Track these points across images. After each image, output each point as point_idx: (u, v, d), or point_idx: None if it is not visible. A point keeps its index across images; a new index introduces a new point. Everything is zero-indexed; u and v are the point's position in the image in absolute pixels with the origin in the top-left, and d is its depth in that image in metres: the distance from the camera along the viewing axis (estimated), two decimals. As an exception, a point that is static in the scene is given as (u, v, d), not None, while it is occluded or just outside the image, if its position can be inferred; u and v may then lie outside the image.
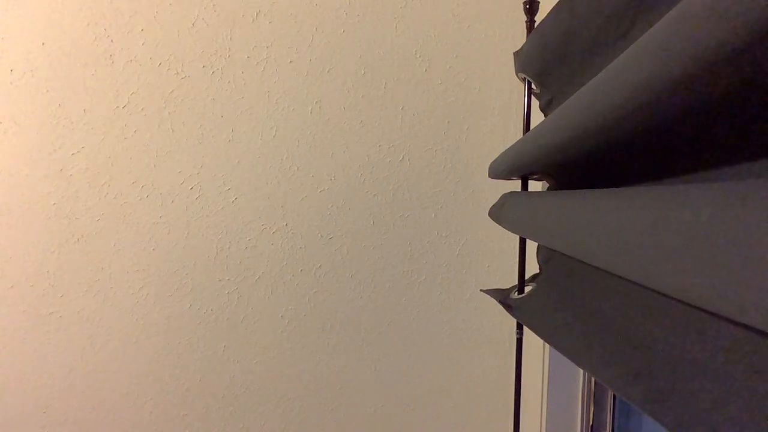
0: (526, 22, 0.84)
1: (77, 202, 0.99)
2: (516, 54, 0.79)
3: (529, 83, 0.79)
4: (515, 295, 0.79)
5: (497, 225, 0.78)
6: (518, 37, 1.05)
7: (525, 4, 0.83)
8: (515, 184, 0.83)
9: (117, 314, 1.03)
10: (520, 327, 0.90)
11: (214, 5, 1.00)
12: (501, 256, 1.11)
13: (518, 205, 0.68)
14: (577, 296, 0.59)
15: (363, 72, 1.04)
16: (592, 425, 0.98)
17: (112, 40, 0.98)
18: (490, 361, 1.13)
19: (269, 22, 1.01)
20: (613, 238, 0.34)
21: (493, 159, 0.85)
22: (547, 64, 0.68)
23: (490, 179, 1.04)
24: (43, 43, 0.96)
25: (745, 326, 0.30)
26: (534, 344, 0.99)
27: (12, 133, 0.97)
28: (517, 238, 0.83)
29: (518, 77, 0.82)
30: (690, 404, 0.33)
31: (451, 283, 1.10)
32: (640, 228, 0.31)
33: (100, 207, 1.00)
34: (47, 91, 0.97)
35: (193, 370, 1.06)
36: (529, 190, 0.78)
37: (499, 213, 0.76)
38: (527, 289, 0.78)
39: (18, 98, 0.96)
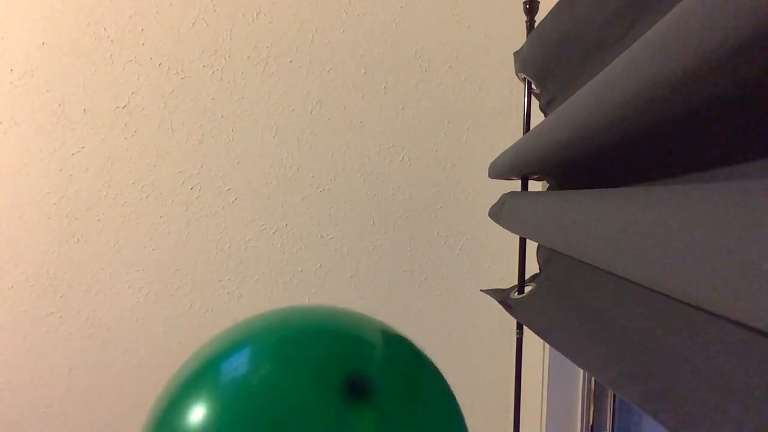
0: (526, 22, 0.84)
1: (77, 202, 0.99)
2: (516, 54, 0.79)
3: (529, 83, 0.79)
4: (515, 295, 0.79)
5: (497, 225, 0.78)
6: (518, 37, 1.05)
7: (525, 4, 0.83)
8: (515, 184, 0.83)
9: (117, 314, 1.03)
10: (520, 327, 0.90)
11: (214, 5, 1.00)
12: (501, 256, 1.11)
13: (518, 205, 0.68)
14: (577, 296, 0.59)
15: (363, 72, 1.04)
16: (592, 425, 0.98)
17: (112, 40, 0.98)
18: (490, 361, 1.13)
19: (269, 22, 1.01)
20: (613, 238, 0.34)
21: (493, 159, 0.85)
22: (547, 64, 0.68)
23: (490, 179, 1.04)
24: (43, 43, 0.96)
25: (745, 326, 0.30)
26: (534, 344, 0.99)
27: (12, 133, 0.97)
28: (517, 238, 0.83)
29: (518, 77, 0.82)
30: (690, 404, 0.33)
31: (451, 283, 1.10)
32: (640, 228, 0.31)
33: (100, 207, 1.00)
34: (47, 91, 0.97)
35: (193, 370, 1.06)
36: (529, 190, 0.78)
37: (499, 213, 0.76)
38: (527, 289, 0.78)
39: (18, 98, 0.96)
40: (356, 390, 0.39)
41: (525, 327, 0.82)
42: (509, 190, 0.80)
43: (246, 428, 0.37)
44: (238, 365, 0.43)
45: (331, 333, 0.47)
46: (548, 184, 0.80)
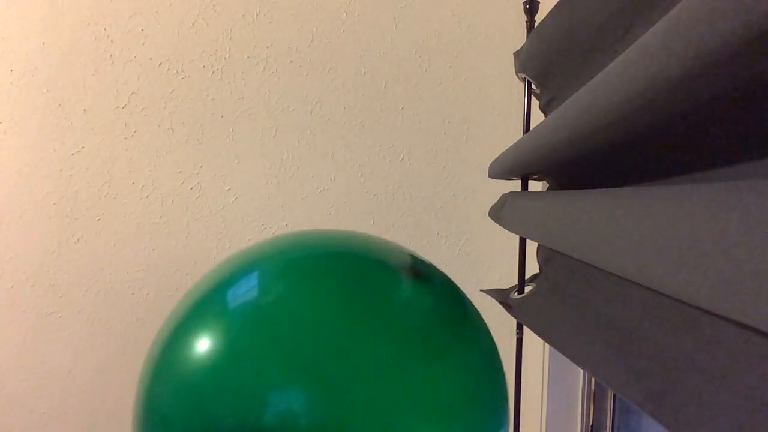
0: (526, 22, 0.84)
1: (77, 202, 0.99)
2: (516, 54, 0.79)
3: (529, 83, 0.79)
4: (515, 295, 0.79)
5: (497, 225, 0.78)
6: (518, 37, 1.05)
7: (525, 4, 0.83)
8: (515, 184, 0.83)
9: (117, 314, 1.03)
10: (520, 327, 0.90)
11: (214, 5, 1.00)
12: (501, 256, 1.10)
13: (518, 205, 0.68)
14: (577, 296, 0.59)
15: (363, 72, 1.04)
16: (592, 425, 0.98)
17: (112, 40, 0.98)
18: (490, 361, 1.13)
19: (269, 22, 1.01)
20: (614, 238, 0.34)
21: (493, 159, 0.85)
22: (547, 64, 0.68)
23: (490, 179, 1.04)
24: (43, 43, 0.96)
25: (745, 326, 0.30)
26: (534, 344, 0.99)
27: (12, 133, 0.97)
28: (517, 238, 0.83)
29: (518, 77, 0.82)
30: (690, 404, 0.33)
31: (451, 283, 1.10)
32: (640, 228, 0.31)
33: (100, 207, 1.00)
34: (47, 91, 0.97)
35: (193, 370, 1.06)
36: (529, 190, 0.78)
37: (499, 213, 0.76)
38: (527, 289, 0.78)
39: (18, 98, 0.96)
40: (416, 274, 0.46)
41: (525, 327, 0.82)
42: (509, 190, 0.80)
43: (331, 295, 0.37)
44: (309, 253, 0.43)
45: (384, 241, 0.51)
46: (548, 184, 0.80)
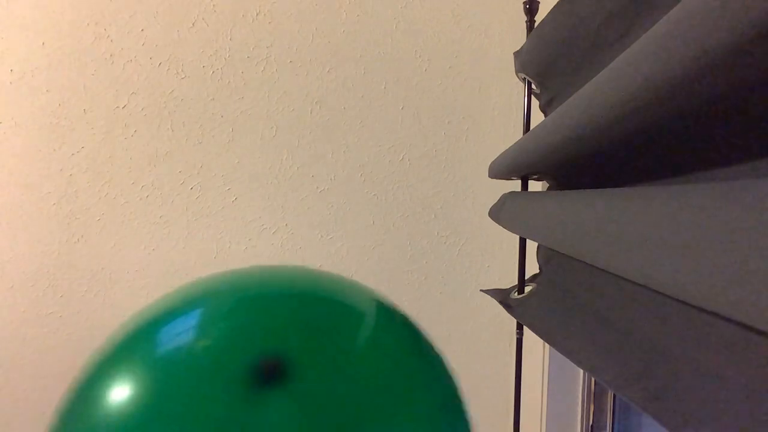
0: (526, 22, 0.84)
1: (77, 202, 0.99)
2: (516, 54, 0.79)
3: (529, 83, 0.79)
4: (515, 295, 0.79)
5: (497, 225, 0.78)
6: (518, 37, 1.05)
7: (525, 4, 0.83)
8: (515, 184, 0.83)
9: (117, 314, 1.02)
10: (520, 327, 0.90)
11: (214, 5, 1.00)
12: (501, 256, 1.10)
13: (518, 205, 0.68)
14: (577, 296, 0.59)
15: (363, 72, 1.04)
16: (592, 425, 0.98)
17: (112, 40, 0.98)
18: (490, 361, 1.13)
19: (269, 22, 1.01)
20: (613, 238, 0.34)
21: (493, 159, 0.85)
22: (547, 64, 0.68)
23: (490, 179, 1.04)
24: (43, 43, 0.96)
25: (745, 326, 0.30)
26: (534, 344, 0.99)
27: (12, 133, 0.97)
28: (517, 238, 0.83)
29: (518, 77, 0.82)
30: (690, 404, 0.33)
31: (451, 283, 1.10)
32: (640, 228, 0.31)
33: (100, 207, 1.00)
34: (47, 91, 0.97)
35: (193, 370, 1.06)
36: (529, 190, 0.78)
37: (499, 213, 0.76)
38: (527, 289, 0.78)
39: (18, 98, 0.96)
40: (267, 375, 0.30)
41: (525, 327, 0.82)
42: (509, 190, 0.80)
43: None
44: (123, 369, 0.32)
45: (246, 302, 0.35)
46: (548, 184, 0.80)
